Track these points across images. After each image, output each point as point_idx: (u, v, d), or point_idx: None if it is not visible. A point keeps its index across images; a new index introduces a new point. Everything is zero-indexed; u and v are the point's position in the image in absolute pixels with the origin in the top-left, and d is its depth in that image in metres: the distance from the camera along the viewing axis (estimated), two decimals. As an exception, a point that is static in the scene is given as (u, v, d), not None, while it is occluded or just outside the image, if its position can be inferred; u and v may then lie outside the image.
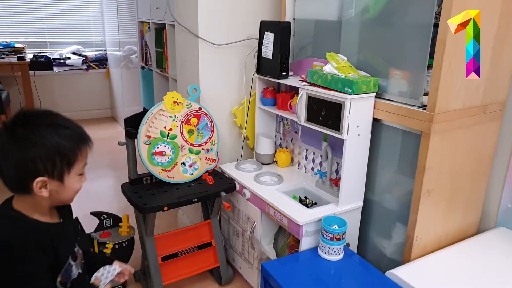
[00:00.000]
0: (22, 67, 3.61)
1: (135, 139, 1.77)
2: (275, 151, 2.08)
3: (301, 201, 1.73)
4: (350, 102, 1.46)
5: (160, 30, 3.16)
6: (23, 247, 0.92)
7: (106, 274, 1.15)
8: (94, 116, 5.01)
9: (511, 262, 1.40)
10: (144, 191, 1.77)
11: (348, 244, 1.63)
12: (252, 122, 2.11)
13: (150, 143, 1.76)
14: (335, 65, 1.56)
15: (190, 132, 1.86)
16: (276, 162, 2.05)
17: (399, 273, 1.34)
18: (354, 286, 1.35)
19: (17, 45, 4.24)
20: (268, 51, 1.84)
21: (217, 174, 1.97)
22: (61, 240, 1.00)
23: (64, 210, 1.09)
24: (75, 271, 1.06)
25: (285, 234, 1.79)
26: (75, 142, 0.97)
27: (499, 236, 1.55)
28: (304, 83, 1.69)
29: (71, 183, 0.98)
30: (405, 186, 1.50)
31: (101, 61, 4.94)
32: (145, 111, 1.79)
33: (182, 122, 1.83)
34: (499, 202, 1.59)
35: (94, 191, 3.01)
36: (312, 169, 1.92)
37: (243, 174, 1.92)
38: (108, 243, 1.81)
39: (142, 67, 3.65)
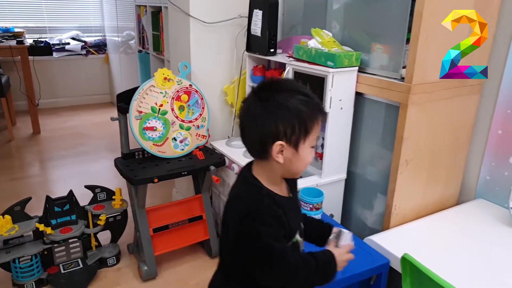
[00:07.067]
0: (21, 51, 3.66)
1: (127, 114, 1.82)
2: (265, 129, 2.13)
3: (287, 174, 1.78)
4: (333, 76, 1.51)
5: (157, 13, 3.19)
6: (259, 214, 0.91)
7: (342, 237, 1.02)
8: (94, 101, 5.07)
9: (487, 231, 1.46)
10: (136, 165, 1.83)
11: (331, 215, 1.69)
12: (243, 100, 2.15)
13: (141, 118, 1.81)
14: (319, 40, 1.60)
15: (181, 108, 1.91)
16: (266, 139, 2.10)
17: (376, 239, 1.39)
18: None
19: (16, 30, 4.29)
20: (256, 28, 1.88)
21: (207, 150, 2.02)
22: (291, 214, 0.98)
23: (292, 184, 1.06)
24: (301, 247, 1.04)
25: (272, 207, 1.84)
26: (313, 111, 0.92)
27: (477, 207, 1.60)
28: (291, 58, 1.73)
29: (305, 154, 0.93)
30: (387, 158, 1.55)
31: (100, 47, 4.98)
32: (137, 87, 1.84)
33: (172, 98, 1.88)
34: (478, 174, 1.64)
35: (94, 171, 3.09)
36: (300, 145, 1.97)
37: (232, 150, 1.97)
38: (102, 215, 1.88)
39: (140, 51, 3.69)
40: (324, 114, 0.95)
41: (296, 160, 0.93)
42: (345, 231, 1.03)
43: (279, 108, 0.89)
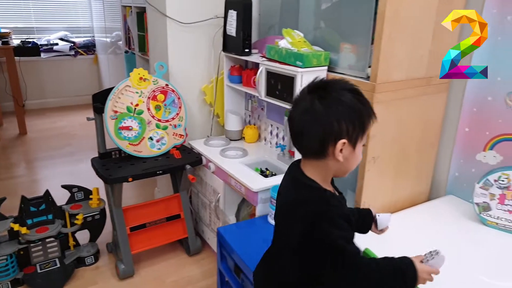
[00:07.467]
0: (7, 52, 3.66)
1: (103, 114, 1.84)
2: (244, 128, 2.15)
3: (262, 172, 1.81)
4: (302, 75, 1.53)
5: (141, 14, 3.20)
6: (329, 216, 0.87)
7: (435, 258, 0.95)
8: (82, 102, 5.06)
9: (453, 226, 1.48)
10: (112, 164, 1.85)
11: (304, 213, 1.71)
12: (222, 100, 2.17)
13: (116, 118, 1.83)
14: (290, 40, 1.62)
15: (157, 108, 1.93)
16: (244, 138, 2.12)
17: (344, 235, 1.41)
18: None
19: (3, 30, 4.28)
20: (232, 29, 1.90)
21: (185, 149, 2.04)
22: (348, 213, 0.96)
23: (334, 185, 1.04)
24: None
25: (248, 204, 1.86)
26: (368, 108, 0.91)
27: (446, 203, 1.62)
28: (264, 58, 1.75)
29: (359, 152, 0.92)
30: (356, 156, 1.57)
31: (89, 47, 4.98)
32: (112, 87, 1.85)
33: (148, 98, 1.90)
34: (448, 171, 1.67)
35: (80, 171, 3.09)
36: (276, 143, 1.99)
37: (210, 149, 1.99)
38: (79, 215, 1.89)
39: (126, 52, 3.70)
40: (374, 112, 0.93)
41: (351, 158, 0.91)
42: (441, 255, 0.96)
43: (340, 105, 0.87)
